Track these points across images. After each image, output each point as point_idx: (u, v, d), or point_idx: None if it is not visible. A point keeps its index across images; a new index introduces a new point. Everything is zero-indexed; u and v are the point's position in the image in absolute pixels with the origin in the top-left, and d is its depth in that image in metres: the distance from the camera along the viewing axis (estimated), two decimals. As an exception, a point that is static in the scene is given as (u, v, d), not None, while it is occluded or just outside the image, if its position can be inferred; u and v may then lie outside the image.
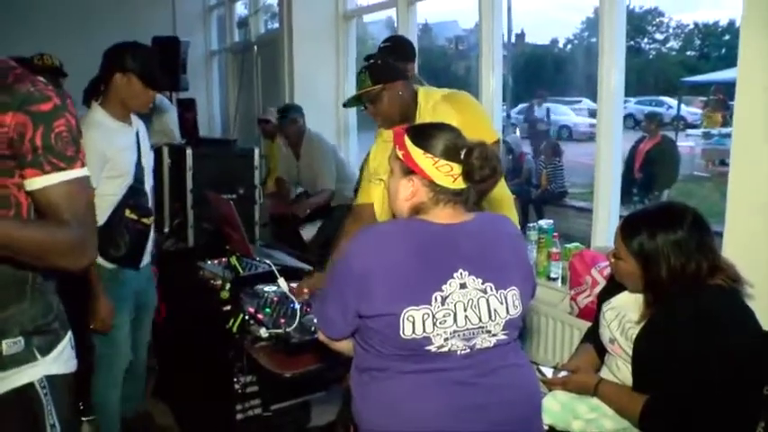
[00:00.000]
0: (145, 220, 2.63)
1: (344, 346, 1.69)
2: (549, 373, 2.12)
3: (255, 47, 6.55)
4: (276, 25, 6.20)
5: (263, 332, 2.25)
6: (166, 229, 3.83)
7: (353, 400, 1.65)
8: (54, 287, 1.54)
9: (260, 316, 2.37)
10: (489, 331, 1.55)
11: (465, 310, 1.52)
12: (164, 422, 3.18)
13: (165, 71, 5.60)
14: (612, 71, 3.15)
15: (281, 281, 2.49)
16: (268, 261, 2.65)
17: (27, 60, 3.45)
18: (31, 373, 1.46)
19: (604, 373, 2.05)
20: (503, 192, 2.60)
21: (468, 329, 1.53)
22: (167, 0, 7.47)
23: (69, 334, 1.57)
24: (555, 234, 3.44)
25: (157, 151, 3.76)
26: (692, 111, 16.00)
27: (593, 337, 2.17)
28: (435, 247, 1.56)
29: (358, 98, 2.51)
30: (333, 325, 1.63)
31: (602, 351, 2.10)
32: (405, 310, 1.49)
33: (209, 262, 3.04)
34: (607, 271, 2.89)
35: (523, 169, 8.67)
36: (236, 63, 7.18)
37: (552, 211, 8.27)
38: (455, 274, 1.53)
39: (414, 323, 1.49)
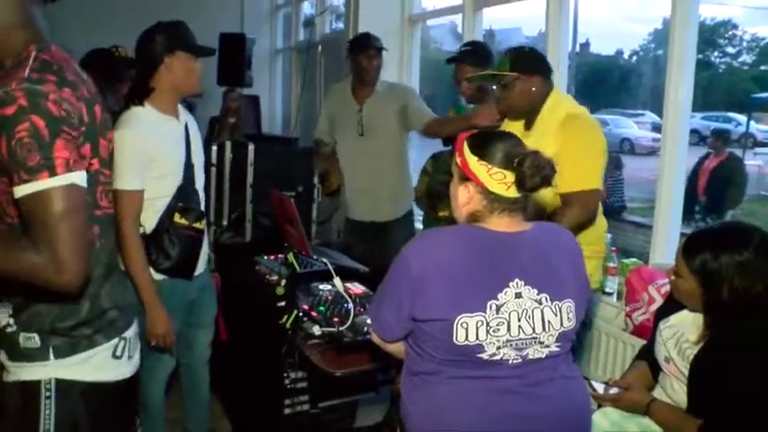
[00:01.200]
0: (197, 225, 2.45)
1: (397, 348, 1.71)
2: (600, 388, 2.09)
3: (320, 46, 6.62)
4: (341, 25, 6.26)
5: (317, 330, 2.29)
6: (225, 222, 3.91)
7: (402, 404, 1.67)
8: (98, 293, 1.50)
9: (314, 314, 2.41)
10: (542, 342, 1.56)
11: (519, 320, 1.53)
12: (213, 412, 3.24)
13: (232, 67, 5.82)
14: (680, 86, 3.07)
15: (337, 280, 2.52)
16: (325, 260, 2.68)
17: (106, 51, 3.50)
18: (40, 372, 1.46)
19: (657, 393, 2.02)
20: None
21: (521, 339, 1.54)
22: (237, -1, 7.63)
23: (114, 342, 1.53)
24: (613, 248, 3.39)
25: (220, 146, 3.85)
26: (762, 128, 15.51)
27: (647, 354, 2.14)
28: (493, 255, 1.57)
29: (492, 76, 2.54)
30: (386, 326, 1.66)
31: (656, 370, 2.06)
32: (459, 317, 1.51)
33: (265, 257, 3.09)
34: (665, 289, 2.84)
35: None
36: (299, 62, 7.27)
37: (610, 225, 8.13)
38: (511, 284, 1.54)
39: (467, 330, 1.51)
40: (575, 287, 1.62)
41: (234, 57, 5.98)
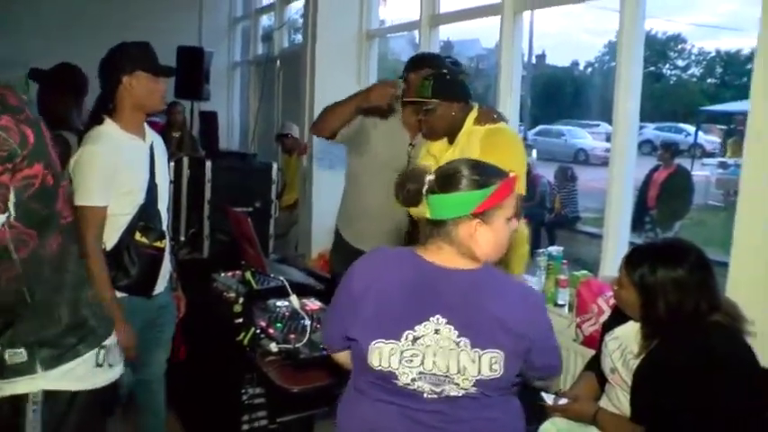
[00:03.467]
0: (158, 244, 2.46)
1: (344, 358, 1.74)
2: (549, 399, 2.16)
3: (278, 60, 6.65)
4: (300, 38, 6.30)
5: (274, 346, 2.31)
6: (182, 238, 3.91)
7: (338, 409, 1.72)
8: (76, 300, 1.55)
9: (271, 330, 2.43)
10: (457, 384, 1.51)
11: (434, 356, 1.50)
12: (170, 429, 3.22)
13: (190, 80, 5.81)
14: (628, 97, 3.18)
15: (293, 297, 2.55)
16: (281, 277, 2.71)
17: (72, 66, 3.45)
18: (28, 385, 1.49)
19: (604, 403, 2.09)
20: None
21: (435, 375, 1.51)
22: (194, 11, 7.62)
23: (95, 351, 1.58)
24: (564, 261, 3.48)
25: (178, 162, 3.86)
26: (709, 139, 15.97)
27: (595, 365, 2.21)
28: (420, 286, 1.55)
29: (413, 102, 2.61)
30: (329, 337, 1.72)
31: (603, 380, 2.14)
32: (374, 341, 1.53)
33: (222, 274, 3.10)
34: (613, 300, 2.94)
35: (537, 192, 8.68)
36: (257, 76, 7.28)
37: (565, 235, 8.29)
38: (432, 318, 1.52)
39: (381, 356, 1.52)
40: (506, 336, 1.51)
41: (192, 70, 5.99)
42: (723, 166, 11.22)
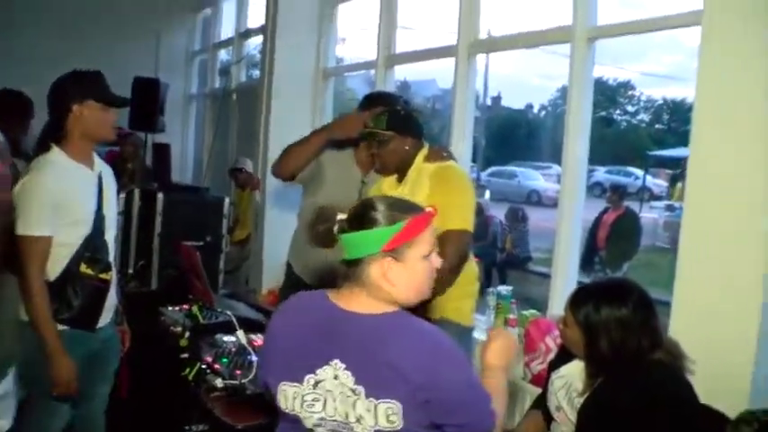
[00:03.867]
0: (103, 276, 2.40)
1: None
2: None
3: (234, 95, 6.65)
4: (257, 73, 6.32)
5: (219, 382, 2.28)
6: (130, 271, 3.85)
7: None
8: None
9: (217, 366, 2.39)
10: None
11: (335, 401, 1.47)
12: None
13: (145, 111, 5.76)
14: (578, 139, 3.26)
15: (240, 332, 2.52)
16: (228, 312, 2.68)
17: (16, 91, 3.39)
18: None
19: (550, 441, 2.11)
20: None
21: (336, 421, 1.48)
22: (152, 42, 7.58)
23: None
24: (513, 301, 3.52)
25: (129, 194, 3.82)
26: (657, 182, 16.43)
27: (541, 403, 2.23)
28: (323, 330, 1.52)
29: (369, 134, 2.63)
30: (260, 378, 1.70)
31: (549, 418, 2.15)
32: (281, 383, 1.53)
33: (170, 308, 3.05)
34: (560, 339, 2.98)
35: (489, 232, 8.76)
36: (213, 109, 7.26)
37: (516, 275, 8.37)
38: (332, 362, 1.48)
39: (286, 398, 1.52)
40: (404, 390, 1.42)
41: (147, 102, 5.94)
42: (670, 208, 11.55)
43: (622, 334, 1.87)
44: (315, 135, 2.98)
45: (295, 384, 1.50)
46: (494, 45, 4.06)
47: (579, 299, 1.96)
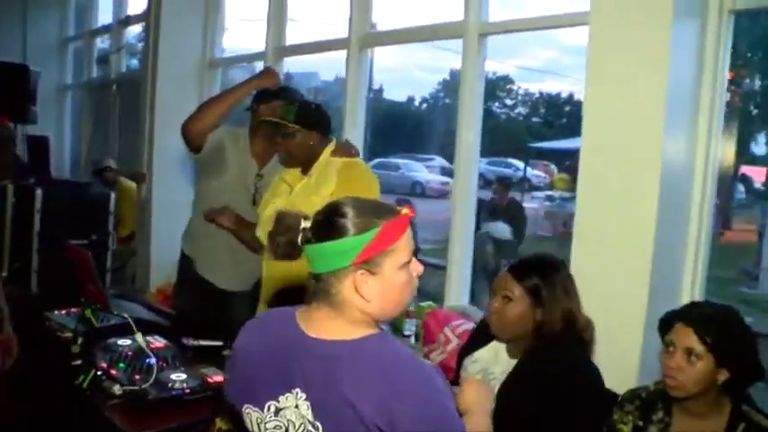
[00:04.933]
0: None
1: None
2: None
3: (115, 85, 6.34)
4: (137, 63, 6.06)
5: (117, 389, 2.15)
6: (5, 273, 3.59)
7: None
8: None
9: (113, 372, 2.27)
10: None
11: (297, 430, 1.36)
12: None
13: (12, 100, 5.37)
14: (470, 132, 3.35)
15: (139, 335, 2.40)
16: (125, 314, 2.55)
17: None
18: None
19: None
20: None
21: None
22: (17, 25, 7.08)
23: None
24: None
25: (1, 189, 3.55)
26: (536, 173, 17.15)
27: (451, 393, 2.26)
28: (286, 354, 1.39)
29: (275, 123, 2.58)
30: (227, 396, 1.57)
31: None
32: (245, 405, 1.45)
33: (56, 312, 2.86)
34: (460, 329, 3.04)
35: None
36: (92, 100, 6.90)
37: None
38: (293, 390, 1.36)
39: (250, 422, 1.44)
40: (360, 427, 1.28)
41: (15, 89, 5.56)
42: (550, 199, 12.07)
43: (569, 299, 1.95)
44: (231, 91, 2.99)
45: (257, 410, 1.41)
46: (386, 38, 4.08)
47: (523, 270, 2.00)
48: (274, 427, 1.38)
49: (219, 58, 5.23)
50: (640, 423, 1.88)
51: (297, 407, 1.35)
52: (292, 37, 4.64)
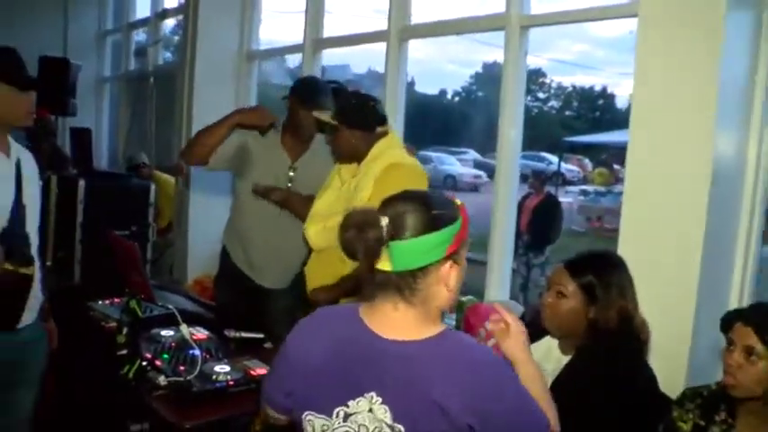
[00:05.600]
0: (24, 271, 2.21)
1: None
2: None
3: (152, 78, 6.40)
4: (171, 55, 6.10)
5: (162, 380, 2.17)
6: (48, 263, 3.64)
7: None
8: None
9: (158, 362, 2.28)
10: None
11: None
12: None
13: (54, 93, 5.45)
14: (512, 127, 3.30)
15: (184, 326, 2.41)
16: (169, 305, 2.57)
17: None
18: None
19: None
20: None
21: None
22: (59, 20, 7.19)
23: None
24: (450, 286, 3.53)
25: (45, 180, 3.60)
26: (569, 168, 16.97)
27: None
28: (356, 358, 1.36)
29: (318, 121, 2.67)
30: (269, 398, 1.51)
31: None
32: (306, 413, 1.39)
33: (100, 302, 2.89)
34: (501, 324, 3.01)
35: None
36: (129, 93, 6.97)
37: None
38: (366, 395, 1.33)
39: (313, 428, 1.39)
40: (448, 427, 1.28)
41: (56, 83, 5.63)
42: (584, 193, 11.93)
43: (625, 299, 1.91)
44: (220, 122, 2.94)
45: (322, 417, 1.36)
46: (425, 31, 4.04)
47: (579, 266, 1.97)
48: None
49: (256, 51, 5.23)
50: (702, 422, 1.83)
51: (371, 410, 1.32)
52: (328, 29, 4.63)
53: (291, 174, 3.04)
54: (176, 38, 6.21)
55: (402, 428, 1.30)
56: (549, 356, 2.03)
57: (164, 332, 2.52)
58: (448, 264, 1.34)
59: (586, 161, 17.57)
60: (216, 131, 2.91)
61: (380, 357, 1.33)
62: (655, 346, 2.16)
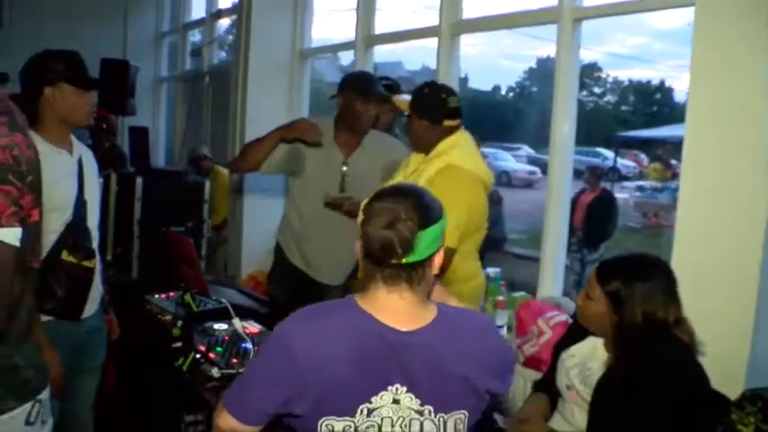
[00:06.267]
0: (86, 264, 2.29)
1: None
2: (501, 421, 2.15)
3: (207, 77, 6.52)
4: (225, 55, 6.21)
5: (215, 372, 2.22)
6: (109, 258, 3.75)
7: None
8: (8, 345, 1.36)
9: (211, 355, 2.33)
10: None
11: (392, 426, 1.36)
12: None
13: (114, 94, 5.62)
14: (564, 122, 3.26)
15: (237, 320, 2.46)
16: (222, 299, 2.62)
17: None
18: None
19: (557, 420, 2.09)
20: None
21: None
22: (119, 23, 7.41)
23: (28, 406, 1.39)
24: (501, 283, 3.51)
25: (105, 178, 3.70)
26: (625, 163, 16.63)
27: (545, 386, 2.21)
28: (375, 355, 1.36)
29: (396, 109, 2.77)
30: (249, 408, 1.40)
31: (554, 400, 2.14)
32: (324, 419, 1.36)
33: (156, 296, 2.97)
34: (553, 321, 2.97)
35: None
36: (185, 92, 7.12)
37: (494, 257, 8.37)
38: (390, 387, 1.36)
39: (332, 431, 1.37)
40: (472, 396, 1.41)
41: (116, 84, 5.80)
42: (640, 189, 11.68)
43: (653, 306, 1.86)
44: (266, 137, 2.97)
45: (344, 418, 1.35)
46: (477, 25, 4.01)
47: (608, 272, 1.94)
48: (366, 428, 1.36)
49: (309, 49, 5.28)
50: (765, 427, 1.78)
51: (395, 401, 1.36)
52: (379, 26, 4.64)
53: (344, 169, 3.04)
54: (231, 37, 6.30)
55: (431, 408, 1.37)
56: (595, 355, 2.01)
57: (217, 326, 2.58)
58: (441, 249, 1.42)
59: (642, 156, 17.17)
60: (262, 145, 2.96)
61: (400, 349, 1.37)
62: (712, 345, 2.10)
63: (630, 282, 1.88)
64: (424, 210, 1.38)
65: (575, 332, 2.10)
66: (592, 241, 7.40)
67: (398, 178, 2.64)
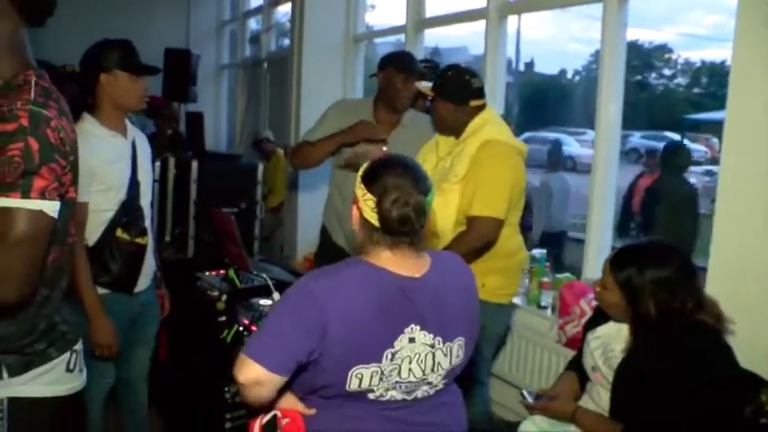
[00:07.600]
0: (139, 240, 2.44)
1: (268, 392, 1.48)
2: (530, 397, 2.17)
3: (265, 63, 6.67)
4: (287, 42, 6.32)
5: (257, 344, 2.31)
6: (167, 238, 3.92)
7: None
8: (52, 307, 1.47)
9: (254, 328, 2.44)
10: (430, 383, 1.55)
11: (410, 364, 1.50)
12: (154, 428, 3.19)
13: (177, 82, 5.82)
14: (610, 104, 3.22)
15: (277, 295, 2.55)
16: (264, 275, 2.71)
17: (56, 68, 3.44)
18: None
19: (585, 401, 2.11)
20: None
21: (410, 382, 1.51)
22: (182, 13, 7.64)
23: (67, 356, 1.51)
24: (546, 264, 3.51)
25: (163, 161, 3.86)
26: (696, 147, 16.08)
27: (576, 365, 2.23)
28: (392, 303, 1.49)
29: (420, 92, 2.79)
30: (274, 359, 1.43)
31: (584, 379, 2.16)
32: (354, 369, 1.45)
33: (206, 273, 3.10)
34: (595, 302, 2.97)
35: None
36: (245, 78, 7.30)
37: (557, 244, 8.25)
38: (406, 329, 1.49)
39: (361, 379, 1.46)
40: (466, 324, 1.62)
41: (179, 72, 6.01)
42: (709, 174, 11.28)
43: (667, 295, 1.84)
44: (330, 139, 3.00)
45: (373, 365, 1.46)
46: (525, 6, 3.99)
47: (620, 261, 1.93)
48: (390, 371, 1.48)
49: (362, 33, 5.34)
50: None
51: (412, 340, 1.50)
52: (432, 10, 4.65)
53: (384, 149, 3.08)
54: (287, 24, 6.42)
55: (440, 339, 1.54)
56: (619, 337, 2.01)
57: (261, 301, 2.68)
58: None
59: (714, 140, 16.57)
60: (322, 150, 3.03)
61: (413, 294, 1.52)
62: (750, 326, 2.08)
63: (643, 271, 1.87)
64: (423, 179, 1.54)
65: (602, 313, 2.10)
66: (650, 225, 7.20)
67: (431, 161, 2.67)
